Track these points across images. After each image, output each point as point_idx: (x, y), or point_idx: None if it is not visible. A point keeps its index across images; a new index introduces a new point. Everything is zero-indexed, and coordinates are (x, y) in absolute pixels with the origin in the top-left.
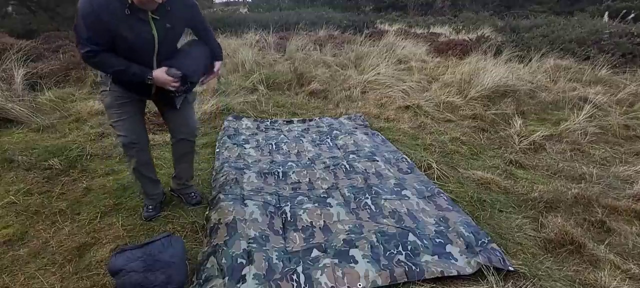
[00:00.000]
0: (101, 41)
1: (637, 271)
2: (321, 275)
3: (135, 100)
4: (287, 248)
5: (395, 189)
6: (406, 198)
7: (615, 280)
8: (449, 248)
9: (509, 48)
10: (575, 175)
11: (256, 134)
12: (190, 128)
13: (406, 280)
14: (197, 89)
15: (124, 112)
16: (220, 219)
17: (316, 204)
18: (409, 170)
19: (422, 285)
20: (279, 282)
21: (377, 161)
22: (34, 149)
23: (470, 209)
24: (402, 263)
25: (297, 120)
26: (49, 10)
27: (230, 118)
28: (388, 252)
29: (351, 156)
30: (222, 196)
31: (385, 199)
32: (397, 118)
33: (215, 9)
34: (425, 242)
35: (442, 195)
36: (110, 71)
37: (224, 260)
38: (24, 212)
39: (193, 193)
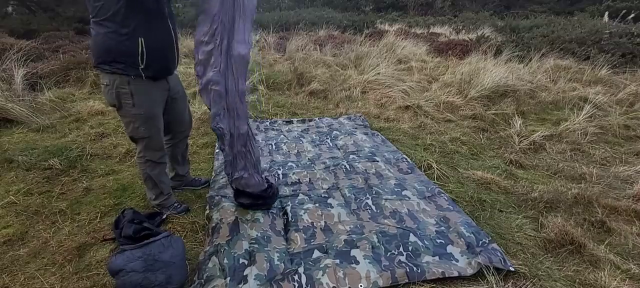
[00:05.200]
0: None
1: (637, 271)
2: (322, 275)
3: (161, 90)
4: (289, 249)
5: (396, 189)
6: (407, 198)
7: (615, 280)
8: (449, 248)
9: (509, 48)
10: (575, 175)
11: (256, 134)
12: (189, 124)
13: (407, 281)
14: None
15: (156, 113)
16: (222, 219)
17: (317, 204)
18: (409, 170)
19: (423, 286)
20: (280, 283)
21: (377, 161)
22: (34, 149)
23: (470, 209)
24: (403, 264)
25: (297, 121)
26: (49, 10)
27: None
28: (389, 253)
29: (351, 156)
30: (224, 196)
31: (386, 199)
32: (397, 118)
33: None
34: (426, 242)
35: (442, 195)
36: None
37: (225, 260)
38: (24, 212)
39: (196, 178)
